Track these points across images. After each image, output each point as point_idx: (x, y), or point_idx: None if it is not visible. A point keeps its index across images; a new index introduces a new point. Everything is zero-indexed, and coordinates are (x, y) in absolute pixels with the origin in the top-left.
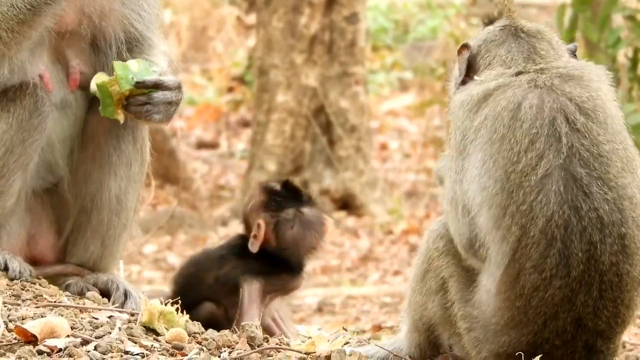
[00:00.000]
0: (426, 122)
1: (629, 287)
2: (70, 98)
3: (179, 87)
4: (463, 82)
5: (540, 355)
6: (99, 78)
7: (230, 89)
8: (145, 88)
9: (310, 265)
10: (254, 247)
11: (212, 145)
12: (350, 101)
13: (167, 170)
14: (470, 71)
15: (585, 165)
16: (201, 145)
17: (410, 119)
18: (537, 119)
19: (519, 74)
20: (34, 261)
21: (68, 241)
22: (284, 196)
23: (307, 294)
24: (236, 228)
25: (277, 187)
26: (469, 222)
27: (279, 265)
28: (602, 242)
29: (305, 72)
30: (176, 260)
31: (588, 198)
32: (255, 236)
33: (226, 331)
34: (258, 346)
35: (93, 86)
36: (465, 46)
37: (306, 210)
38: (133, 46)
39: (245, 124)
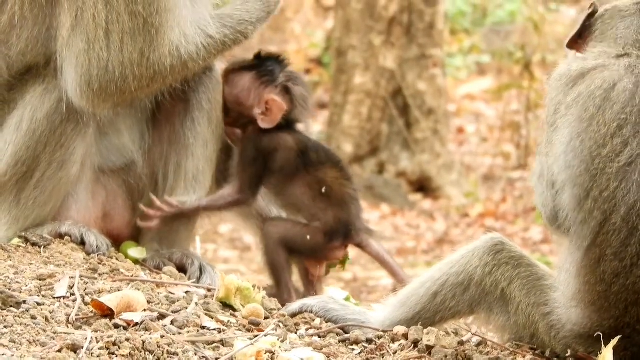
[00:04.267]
0: (504, 106)
1: None
2: None
3: None
4: (577, 40)
5: (619, 337)
6: None
7: (308, 71)
8: None
9: (386, 247)
10: (268, 124)
11: None
12: (428, 83)
13: None
14: (586, 31)
15: None
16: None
17: (488, 102)
18: (628, 104)
19: (620, 56)
20: (109, 237)
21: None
22: (271, 61)
23: (382, 275)
24: None
25: (256, 60)
26: (554, 196)
27: None
28: None
29: (383, 54)
30: (252, 240)
31: None
32: (264, 114)
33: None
34: (336, 322)
35: None
36: (591, 4)
37: (291, 69)
38: None
39: (322, 105)
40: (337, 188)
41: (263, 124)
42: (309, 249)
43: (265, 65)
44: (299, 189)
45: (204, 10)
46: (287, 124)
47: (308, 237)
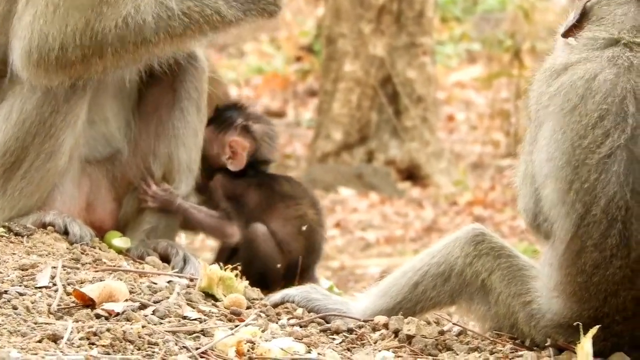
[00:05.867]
0: (493, 94)
1: None
2: (119, 74)
3: None
4: (573, 29)
5: (598, 326)
6: None
7: (298, 58)
8: None
9: (374, 235)
10: (237, 166)
11: (279, 114)
12: (418, 71)
13: None
14: (584, 19)
15: None
16: (268, 113)
17: (478, 90)
18: (609, 94)
19: (607, 46)
20: (92, 228)
21: (129, 209)
22: (228, 110)
23: (370, 263)
24: None
25: (215, 112)
26: (534, 192)
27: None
28: None
29: (373, 42)
30: None
31: None
32: (231, 157)
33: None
34: (318, 312)
35: None
36: None
37: (250, 110)
38: None
39: (312, 93)
40: (313, 231)
41: (232, 167)
42: (266, 270)
43: (222, 115)
44: (279, 222)
45: None
46: (256, 164)
47: (279, 263)
